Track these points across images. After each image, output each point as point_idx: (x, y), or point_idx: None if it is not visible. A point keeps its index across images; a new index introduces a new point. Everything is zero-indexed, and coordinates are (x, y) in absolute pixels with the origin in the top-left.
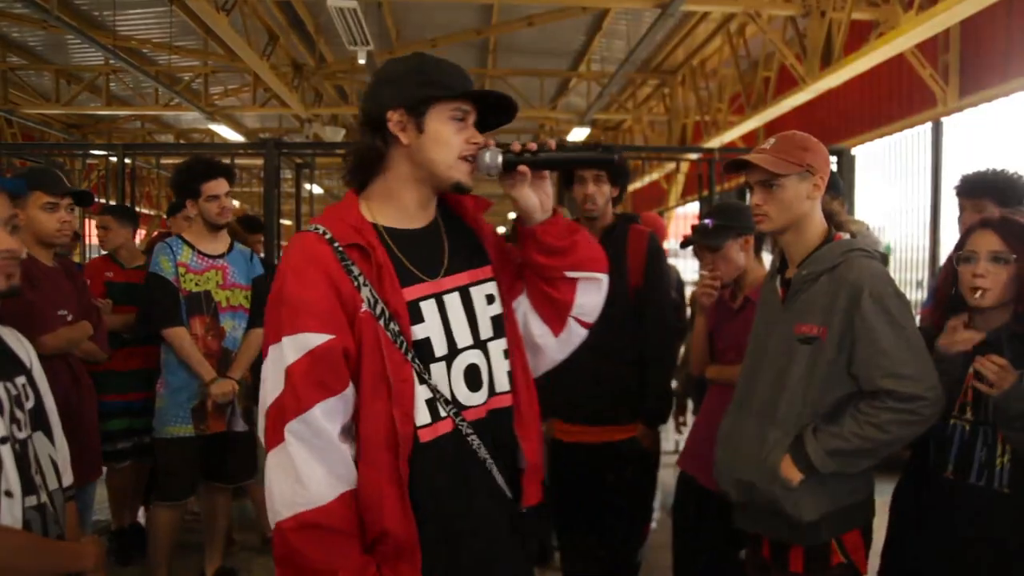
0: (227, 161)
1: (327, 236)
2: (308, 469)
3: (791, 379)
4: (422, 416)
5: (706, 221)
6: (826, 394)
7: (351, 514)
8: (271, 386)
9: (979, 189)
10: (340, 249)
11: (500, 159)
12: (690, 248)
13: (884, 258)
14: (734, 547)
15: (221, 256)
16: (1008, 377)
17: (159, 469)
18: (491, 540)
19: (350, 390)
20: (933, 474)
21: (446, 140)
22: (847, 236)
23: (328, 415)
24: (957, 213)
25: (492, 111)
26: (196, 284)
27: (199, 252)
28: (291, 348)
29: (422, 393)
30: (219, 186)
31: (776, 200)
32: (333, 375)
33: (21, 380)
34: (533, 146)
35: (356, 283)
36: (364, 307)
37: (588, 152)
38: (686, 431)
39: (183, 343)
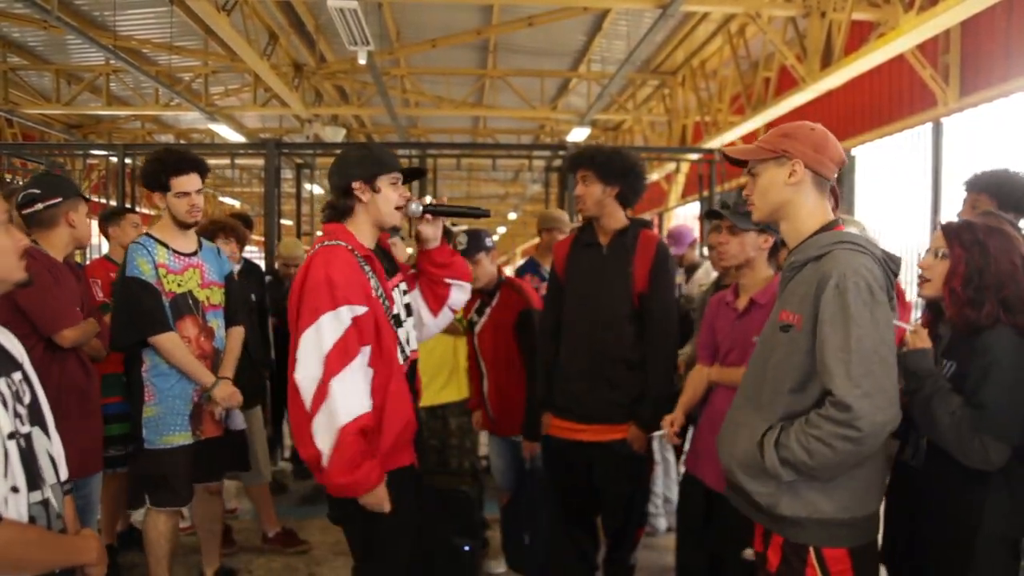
0: (227, 161)
1: (349, 248)
2: (366, 387)
3: (770, 367)
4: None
5: (740, 203)
6: (809, 385)
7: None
8: (331, 336)
9: (979, 184)
10: (359, 256)
11: (420, 209)
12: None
13: (893, 260)
14: (738, 548)
15: (194, 254)
16: (918, 342)
17: (154, 480)
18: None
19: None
20: (898, 456)
21: (389, 197)
22: (852, 230)
23: (364, 358)
24: (958, 211)
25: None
26: (178, 285)
27: (174, 251)
28: (347, 313)
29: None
30: (190, 182)
31: (757, 187)
32: (367, 333)
33: (18, 376)
34: (432, 200)
35: (369, 277)
36: (373, 292)
37: (464, 207)
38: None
39: (175, 349)
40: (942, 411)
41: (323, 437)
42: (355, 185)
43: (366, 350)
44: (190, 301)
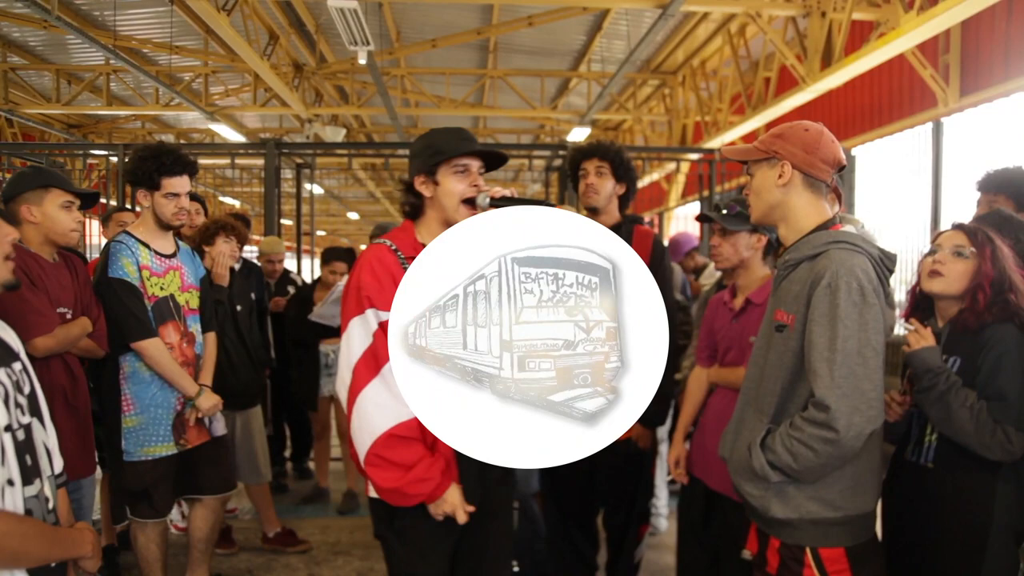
0: (227, 161)
1: (393, 247)
2: (400, 395)
3: (768, 367)
4: None
5: (731, 204)
6: (799, 386)
7: (420, 430)
8: (359, 342)
9: (996, 184)
10: (402, 256)
11: (488, 201)
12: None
13: (889, 257)
14: (738, 548)
15: (174, 255)
16: (921, 340)
17: (135, 492)
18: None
19: None
20: (898, 457)
21: (450, 190)
22: (849, 228)
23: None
24: (962, 211)
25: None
26: (161, 288)
27: (156, 252)
28: (373, 318)
29: None
30: (181, 183)
31: (752, 188)
32: None
33: (18, 366)
34: (502, 193)
35: None
36: None
37: (529, 200)
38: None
39: (161, 356)
40: (959, 405)
41: (360, 446)
42: (417, 180)
43: None
44: (171, 305)
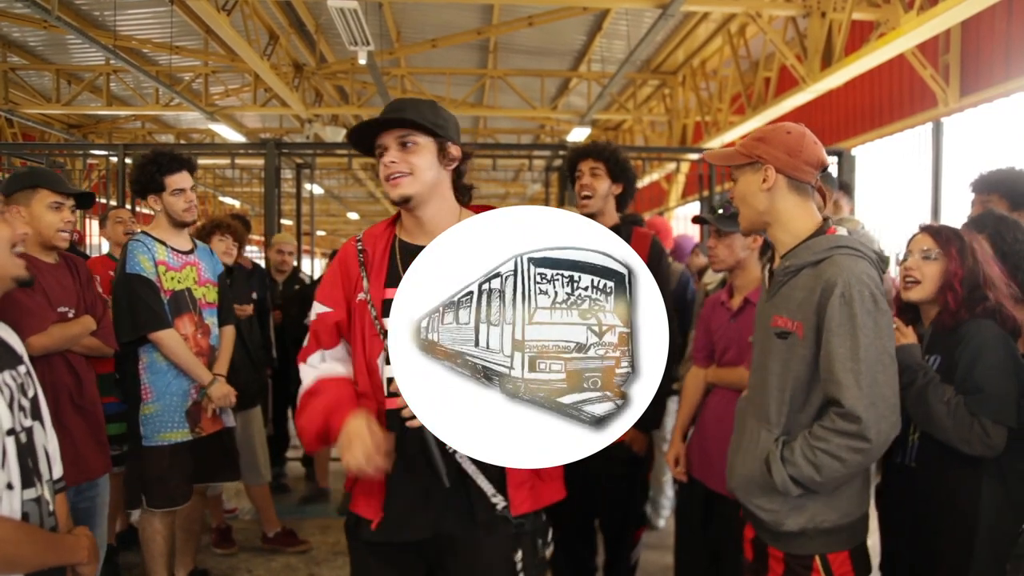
0: (227, 161)
1: (357, 239)
2: (314, 372)
3: (771, 375)
4: (388, 387)
5: (726, 205)
6: (811, 395)
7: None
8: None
9: (989, 185)
10: (360, 247)
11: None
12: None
13: (883, 260)
14: (738, 548)
15: (191, 252)
16: (902, 339)
17: (151, 480)
18: (430, 488)
19: (338, 349)
20: (888, 459)
21: (380, 172)
22: (842, 232)
23: (320, 359)
24: (962, 212)
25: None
26: (178, 282)
27: (173, 249)
28: (312, 311)
29: (387, 371)
30: (183, 179)
31: (736, 193)
32: (325, 335)
33: (23, 369)
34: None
35: (364, 275)
36: (361, 295)
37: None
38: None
39: (176, 346)
40: (937, 400)
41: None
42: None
43: (323, 352)
44: (188, 298)
